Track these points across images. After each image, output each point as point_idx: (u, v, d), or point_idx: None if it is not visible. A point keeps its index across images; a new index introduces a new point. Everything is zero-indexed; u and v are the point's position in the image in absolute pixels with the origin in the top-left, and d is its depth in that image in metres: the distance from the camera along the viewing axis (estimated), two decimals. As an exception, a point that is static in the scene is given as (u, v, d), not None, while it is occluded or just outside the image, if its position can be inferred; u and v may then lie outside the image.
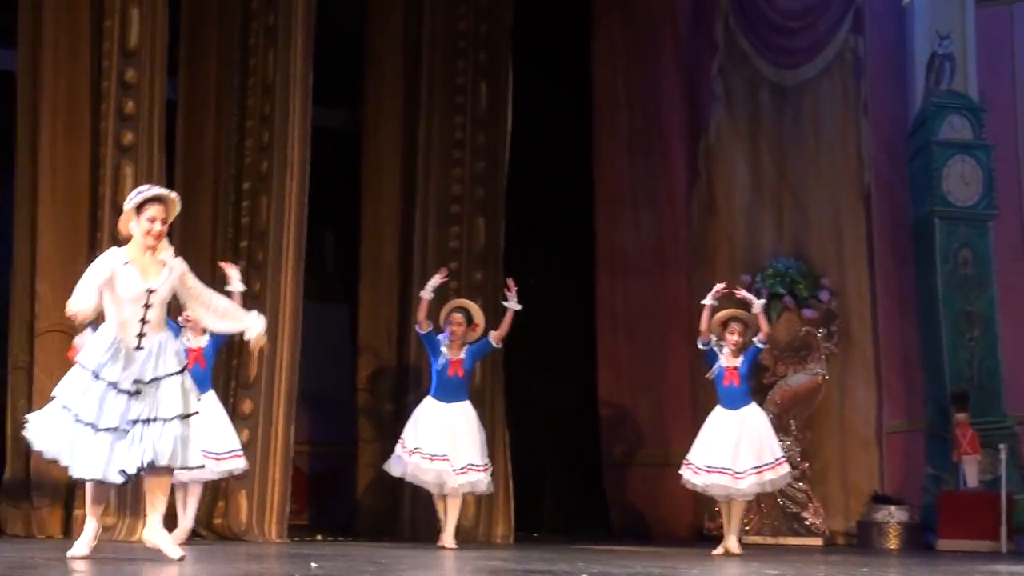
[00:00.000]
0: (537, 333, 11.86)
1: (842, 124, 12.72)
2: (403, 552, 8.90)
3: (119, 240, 9.72)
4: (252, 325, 7.07)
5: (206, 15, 10.89)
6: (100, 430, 6.56)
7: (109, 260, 6.74)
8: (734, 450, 9.97)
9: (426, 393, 10.57)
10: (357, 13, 12.02)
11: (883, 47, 12.68)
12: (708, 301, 10.13)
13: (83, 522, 9.45)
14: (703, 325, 10.13)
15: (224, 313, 7.08)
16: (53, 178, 9.97)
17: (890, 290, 12.40)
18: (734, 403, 10.10)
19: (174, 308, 7.41)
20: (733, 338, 10.08)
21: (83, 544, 6.79)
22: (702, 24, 13.31)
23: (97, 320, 7.00)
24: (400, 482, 10.37)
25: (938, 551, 11.07)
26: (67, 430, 6.61)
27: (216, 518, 10.16)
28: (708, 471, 9.98)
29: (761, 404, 10.72)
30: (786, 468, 10.19)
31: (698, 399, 12.69)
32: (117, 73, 10.11)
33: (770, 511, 11.89)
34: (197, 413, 6.79)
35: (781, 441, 10.75)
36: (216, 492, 10.00)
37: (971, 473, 11.48)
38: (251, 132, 10.80)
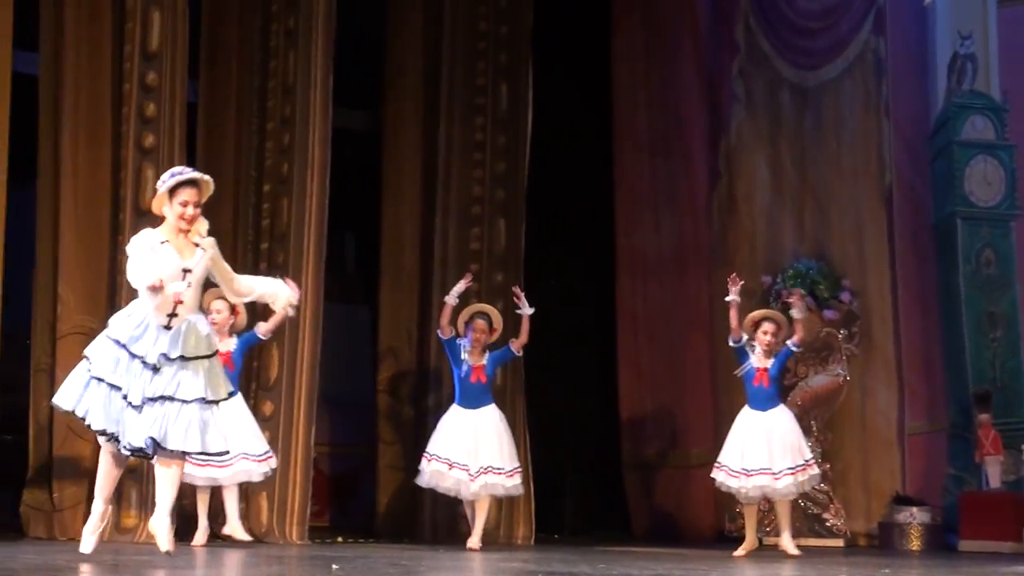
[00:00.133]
0: (557, 335, 11.87)
1: (863, 125, 12.70)
2: (424, 554, 8.91)
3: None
4: (279, 292, 7.12)
5: (226, 18, 10.91)
6: (129, 405, 6.54)
7: (147, 239, 6.72)
8: (768, 451, 9.91)
9: (446, 395, 10.61)
10: (377, 15, 12.03)
11: (904, 47, 12.65)
12: (732, 297, 10.09)
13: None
14: (733, 323, 10.10)
15: (250, 289, 7.12)
16: (75, 181, 10.01)
17: (912, 291, 12.37)
18: (763, 404, 10.05)
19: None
20: (766, 338, 10.02)
21: (89, 535, 6.83)
22: (722, 25, 13.29)
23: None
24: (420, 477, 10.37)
25: (960, 552, 11.03)
26: (99, 394, 6.60)
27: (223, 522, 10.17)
28: (747, 474, 9.91)
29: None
30: (816, 470, 10.15)
31: (719, 401, 12.69)
32: (138, 76, 10.14)
33: (791, 512, 11.85)
34: (222, 400, 6.75)
35: (802, 442, 10.72)
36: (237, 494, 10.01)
37: (993, 474, 11.44)
38: (272, 134, 10.82)
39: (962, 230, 12.14)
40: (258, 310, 10.17)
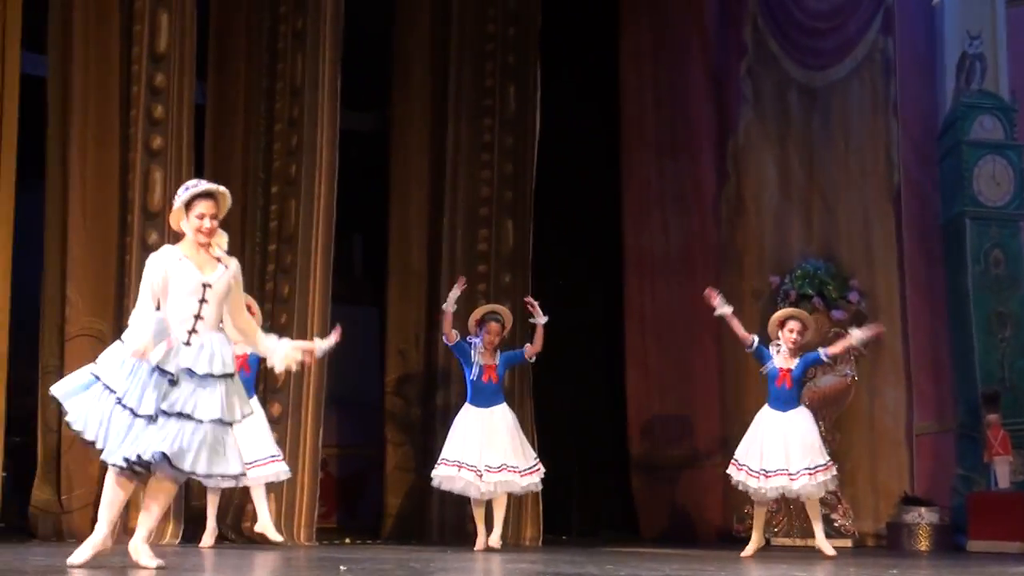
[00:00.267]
0: (565, 335, 11.85)
1: (871, 125, 12.68)
2: (432, 555, 8.92)
3: (149, 245, 9.89)
4: (277, 350, 6.80)
5: (234, 19, 10.93)
6: (139, 416, 6.32)
7: (161, 260, 6.57)
8: (786, 452, 9.86)
9: (454, 396, 10.63)
10: (385, 16, 12.04)
11: (913, 47, 12.64)
12: (721, 311, 10.04)
13: (112, 527, 9.59)
14: (738, 332, 10.05)
15: (252, 334, 6.82)
16: (83, 183, 10.03)
17: (920, 291, 12.36)
18: (784, 405, 9.96)
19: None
20: (792, 336, 9.92)
21: (86, 547, 6.47)
22: (730, 26, 13.28)
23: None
24: (428, 485, 10.39)
25: (969, 552, 11.02)
26: (105, 410, 6.35)
27: (245, 521, 10.18)
28: (766, 475, 9.86)
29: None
30: (834, 472, 10.05)
31: (726, 401, 12.70)
32: (146, 78, 10.16)
33: (799, 512, 11.83)
34: (237, 421, 6.53)
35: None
36: (245, 495, 10.03)
37: (1002, 474, 11.42)
38: (279, 136, 10.83)
39: (971, 230, 12.12)
40: (274, 317, 10.20)
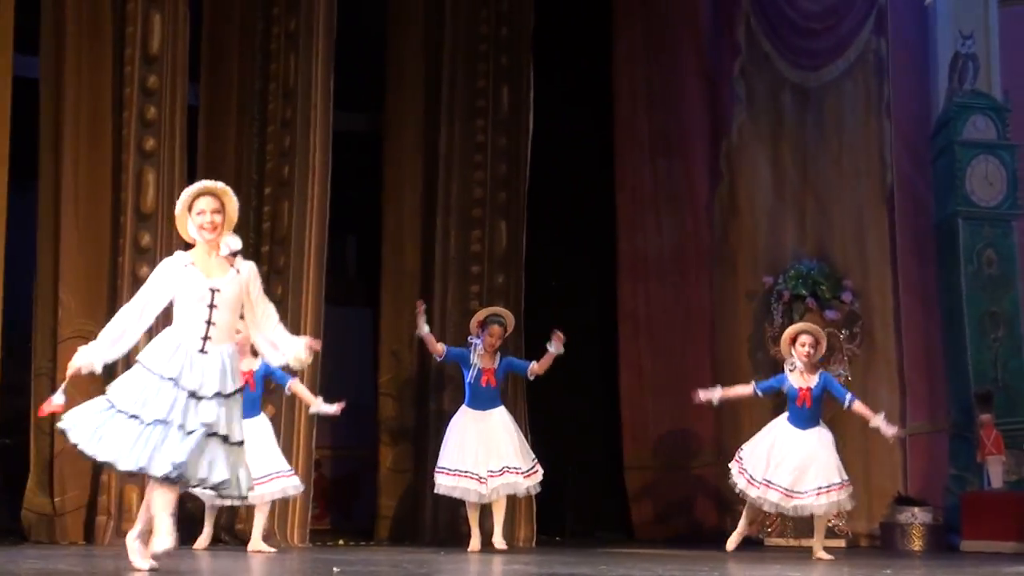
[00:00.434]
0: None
1: (865, 125, 12.69)
2: (425, 556, 8.92)
3: (141, 247, 9.88)
4: (290, 349, 6.64)
5: (227, 21, 10.91)
6: (147, 423, 6.14)
7: (166, 267, 6.44)
8: (798, 472, 9.77)
9: (447, 397, 10.64)
10: (378, 17, 12.03)
11: (906, 48, 12.65)
12: (711, 397, 10.01)
13: (105, 530, 9.58)
14: (740, 394, 10.03)
15: (272, 333, 6.63)
16: (76, 184, 10.01)
17: (913, 291, 12.37)
18: (804, 423, 9.85)
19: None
20: (805, 351, 9.77)
21: (164, 535, 6.27)
22: (723, 26, 13.28)
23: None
24: (422, 486, 10.39)
25: (962, 552, 11.03)
26: (111, 427, 6.19)
27: (238, 523, 10.17)
28: (767, 486, 9.81)
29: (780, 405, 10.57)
30: (850, 491, 9.91)
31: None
32: (139, 79, 10.15)
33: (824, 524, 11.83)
34: (236, 442, 6.39)
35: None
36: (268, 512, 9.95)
37: (995, 474, 11.44)
38: (272, 137, 10.82)
39: (964, 230, 12.14)
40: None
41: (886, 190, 12.54)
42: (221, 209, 6.45)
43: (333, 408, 9.69)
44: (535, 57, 12.06)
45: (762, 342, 12.57)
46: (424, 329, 10.16)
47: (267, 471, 9.23)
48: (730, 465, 10.06)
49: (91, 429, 6.23)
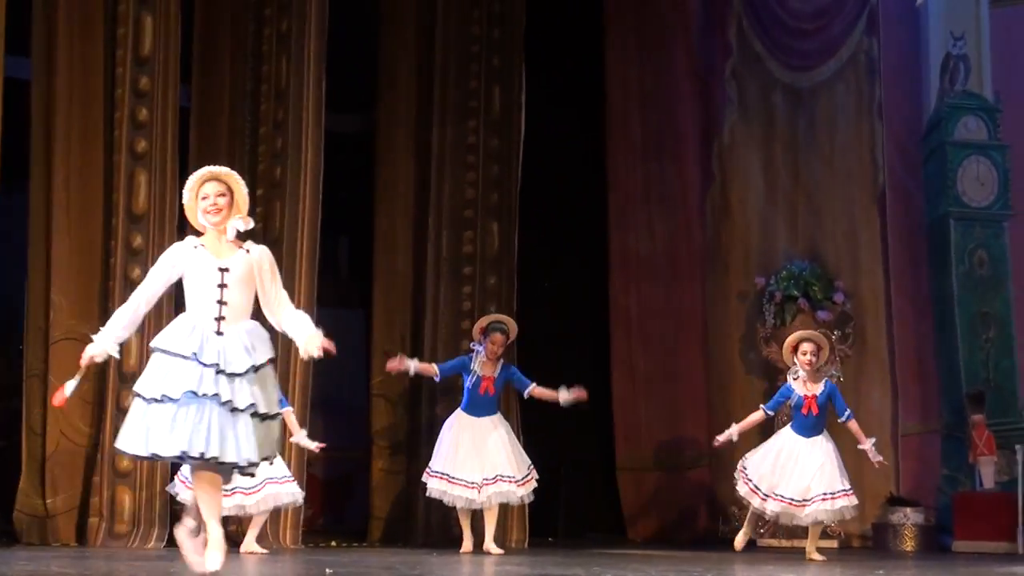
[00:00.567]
0: (551, 337, 11.88)
1: (856, 126, 12.72)
2: (418, 558, 8.92)
3: (133, 248, 9.87)
4: (308, 335, 6.41)
5: (219, 22, 10.89)
6: (178, 401, 5.95)
7: (175, 250, 6.29)
8: (802, 480, 9.72)
9: (439, 398, 10.59)
10: (370, 18, 12.02)
11: (897, 48, 12.67)
12: (733, 432, 9.86)
13: (97, 531, 9.57)
14: (754, 422, 9.96)
15: (289, 316, 6.43)
16: (67, 186, 9.99)
17: (905, 292, 12.39)
18: (808, 432, 9.74)
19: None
20: (807, 359, 9.69)
21: (214, 551, 6.02)
22: (715, 27, 13.30)
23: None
24: (415, 488, 10.38)
25: (954, 553, 11.05)
26: (151, 420, 5.97)
27: (231, 525, 10.14)
28: (775, 498, 9.73)
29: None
30: (853, 500, 9.76)
31: (712, 402, 12.71)
32: (131, 81, 10.13)
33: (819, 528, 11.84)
34: (273, 415, 6.22)
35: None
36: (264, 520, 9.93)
37: (987, 474, 11.46)
38: (264, 138, 10.81)
39: (955, 231, 12.16)
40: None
41: (878, 191, 12.56)
42: (226, 193, 6.35)
43: (313, 445, 9.73)
44: (527, 58, 12.06)
45: (754, 343, 12.59)
46: (413, 367, 10.16)
47: (265, 476, 9.22)
48: (735, 475, 9.96)
49: (138, 432, 6.04)
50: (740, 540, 9.89)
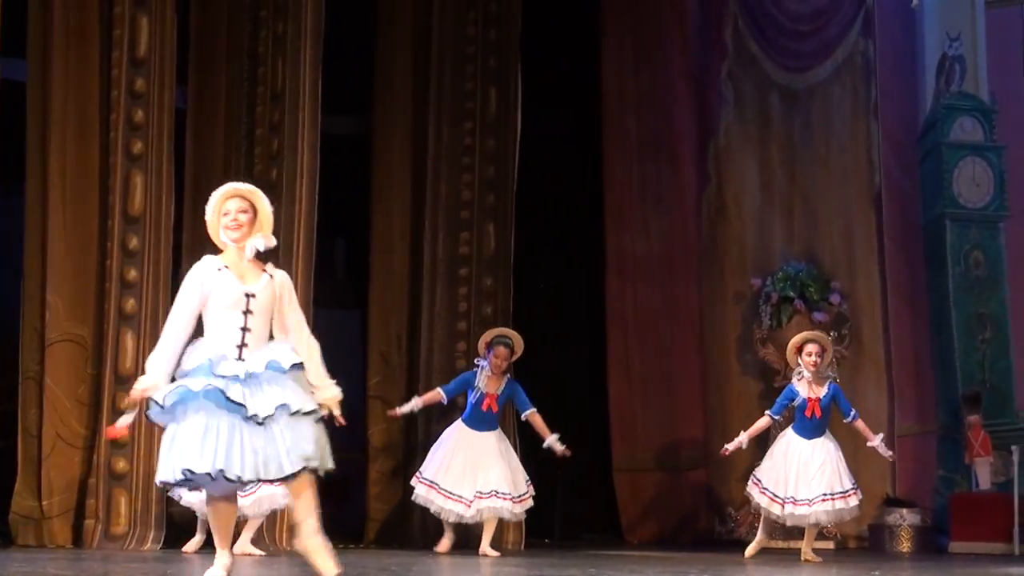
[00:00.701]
0: (547, 338, 11.86)
1: (852, 127, 12.73)
2: (413, 559, 8.91)
3: (129, 250, 9.86)
4: (327, 394, 6.24)
5: (215, 24, 10.88)
6: (201, 397, 5.79)
7: (199, 273, 6.08)
8: (807, 480, 9.69)
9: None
10: (366, 20, 12.01)
11: (893, 49, 12.68)
12: (743, 440, 9.82)
13: (93, 533, 9.56)
14: (761, 428, 9.95)
15: (307, 361, 6.14)
16: (63, 188, 9.97)
17: (901, 292, 12.40)
18: (811, 433, 9.76)
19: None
20: (811, 360, 9.70)
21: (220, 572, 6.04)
22: (711, 28, 13.31)
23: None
24: (411, 490, 10.36)
25: (950, 554, 11.05)
26: (179, 441, 5.81)
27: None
28: (795, 503, 9.75)
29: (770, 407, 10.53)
30: (856, 500, 9.80)
31: (709, 403, 12.71)
32: (126, 82, 10.10)
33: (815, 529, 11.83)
34: (316, 411, 6.07)
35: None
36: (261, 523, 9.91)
37: (983, 475, 11.46)
38: (260, 140, 10.79)
39: (951, 231, 12.17)
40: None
41: (873, 192, 12.57)
42: (248, 210, 6.17)
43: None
44: (523, 59, 12.05)
45: (750, 344, 12.59)
46: (419, 404, 10.17)
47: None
48: (747, 490, 9.90)
49: (172, 460, 5.87)
50: (753, 549, 9.84)
